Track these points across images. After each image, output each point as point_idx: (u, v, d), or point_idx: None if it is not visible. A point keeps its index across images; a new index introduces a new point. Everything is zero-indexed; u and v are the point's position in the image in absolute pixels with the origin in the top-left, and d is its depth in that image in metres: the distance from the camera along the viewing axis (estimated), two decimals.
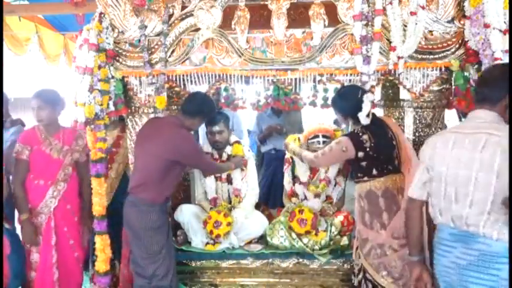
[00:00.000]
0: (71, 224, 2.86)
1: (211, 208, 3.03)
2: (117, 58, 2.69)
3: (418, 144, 2.60)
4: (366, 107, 2.31)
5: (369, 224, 2.35)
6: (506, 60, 2.28)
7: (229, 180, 3.15)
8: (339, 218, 2.95)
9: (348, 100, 2.41)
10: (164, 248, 2.50)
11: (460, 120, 3.09)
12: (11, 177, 2.84)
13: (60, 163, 2.80)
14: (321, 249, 2.82)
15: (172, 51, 2.70)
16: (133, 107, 2.78)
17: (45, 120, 2.80)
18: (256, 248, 2.90)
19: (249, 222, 2.99)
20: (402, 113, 3.10)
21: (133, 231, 2.49)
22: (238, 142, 3.20)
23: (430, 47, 2.53)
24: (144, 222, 2.44)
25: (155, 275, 2.47)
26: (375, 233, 2.33)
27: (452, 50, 2.52)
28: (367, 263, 2.35)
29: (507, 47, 2.33)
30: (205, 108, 2.61)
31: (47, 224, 2.78)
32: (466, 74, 2.50)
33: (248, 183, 3.16)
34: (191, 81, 2.69)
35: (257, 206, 3.21)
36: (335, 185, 3.16)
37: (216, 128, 3.05)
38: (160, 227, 2.49)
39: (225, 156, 3.15)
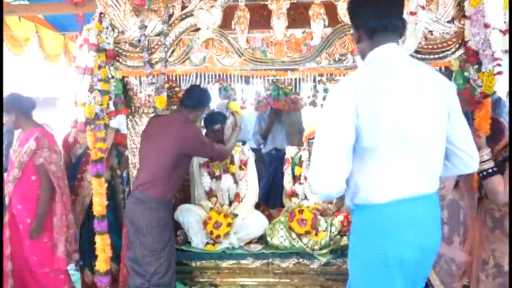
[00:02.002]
0: (25, 224, 2.83)
1: (211, 208, 3.03)
2: (117, 58, 2.69)
3: None
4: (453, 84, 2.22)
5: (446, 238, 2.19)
6: (506, 60, 2.29)
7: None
8: (339, 218, 2.95)
9: None
10: (167, 246, 2.52)
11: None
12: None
13: (12, 165, 2.82)
14: (321, 249, 2.82)
15: (172, 51, 2.70)
16: (133, 107, 2.79)
17: (8, 123, 2.87)
18: (256, 248, 2.90)
19: (249, 222, 2.99)
20: None
21: (137, 228, 2.49)
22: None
23: (430, 47, 2.53)
24: (151, 220, 2.47)
25: (156, 272, 2.47)
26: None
27: (452, 50, 2.52)
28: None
29: (507, 47, 2.33)
30: (204, 100, 2.72)
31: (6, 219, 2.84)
32: (466, 74, 2.50)
33: (248, 183, 3.16)
34: (191, 81, 2.69)
35: (257, 206, 3.21)
36: None
37: (218, 127, 3.08)
38: (166, 224, 2.54)
39: None
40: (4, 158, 3.14)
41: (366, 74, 1.52)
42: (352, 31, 1.68)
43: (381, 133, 1.45)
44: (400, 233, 1.51)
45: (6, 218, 2.82)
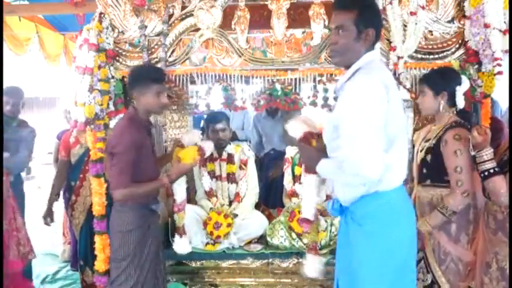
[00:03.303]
0: None
1: (211, 208, 3.03)
2: (117, 58, 2.70)
3: None
4: (465, 83, 2.19)
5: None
6: (506, 60, 2.29)
7: (229, 179, 3.15)
8: (339, 218, 2.94)
9: (446, 72, 2.24)
10: (130, 257, 2.17)
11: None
12: None
13: None
14: (321, 249, 2.81)
15: (172, 51, 2.70)
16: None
17: None
18: (256, 248, 2.90)
19: (249, 222, 2.99)
20: None
21: (110, 232, 2.33)
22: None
23: (430, 47, 2.53)
24: (114, 223, 2.22)
25: (114, 280, 2.21)
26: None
27: (452, 50, 2.52)
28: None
29: (507, 47, 2.33)
30: (133, 75, 2.21)
31: None
32: (466, 73, 2.50)
33: (248, 182, 3.16)
34: (191, 81, 2.69)
35: (257, 206, 3.22)
36: None
37: (220, 126, 3.10)
38: (131, 231, 2.16)
39: (225, 155, 3.16)
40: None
41: (381, 71, 1.64)
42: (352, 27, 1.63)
43: (397, 123, 1.62)
44: (406, 216, 1.70)
45: None
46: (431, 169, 2.17)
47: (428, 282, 2.17)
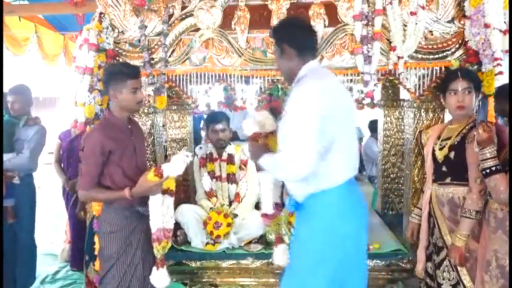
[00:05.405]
0: None
1: (211, 208, 3.03)
2: (117, 58, 2.69)
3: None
4: None
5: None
6: (506, 60, 2.29)
7: (229, 180, 3.15)
8: None
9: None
10: (113, 259, 2.11)
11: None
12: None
13: None
14: None
15: (172, 51, 2.70)
16: None
17: None
18: (256, 248, 2.90)
19: (249, 222, 2.99)
20: (402, 113, 3.10)
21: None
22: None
23: (430, 47, 2.53)
24: (100, 223, 2.18)
25: (102, 280, 2.17)
26: None
27: (452, 50, 2.52)
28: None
29: (507, 47, 2.33)
30: (108, 73, 2.18)
31: None
32: None
33: (248, 183, 3.16)
34: (191, 81, 2.69)
35: (257, 206, 3.21)
36: None
37: (220, 126, 3.10)
38: (113, 232, 2.10)
39: (225, 155, 3.16)
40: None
41: (323, 78, 1.78)
42: (282, 47, 1.84)
43: (338, 126, 1.73)
44: (351, 211, 1.80)
45: None
46: (453, 167, 2.17)
47: (454, 282, 2.16)
